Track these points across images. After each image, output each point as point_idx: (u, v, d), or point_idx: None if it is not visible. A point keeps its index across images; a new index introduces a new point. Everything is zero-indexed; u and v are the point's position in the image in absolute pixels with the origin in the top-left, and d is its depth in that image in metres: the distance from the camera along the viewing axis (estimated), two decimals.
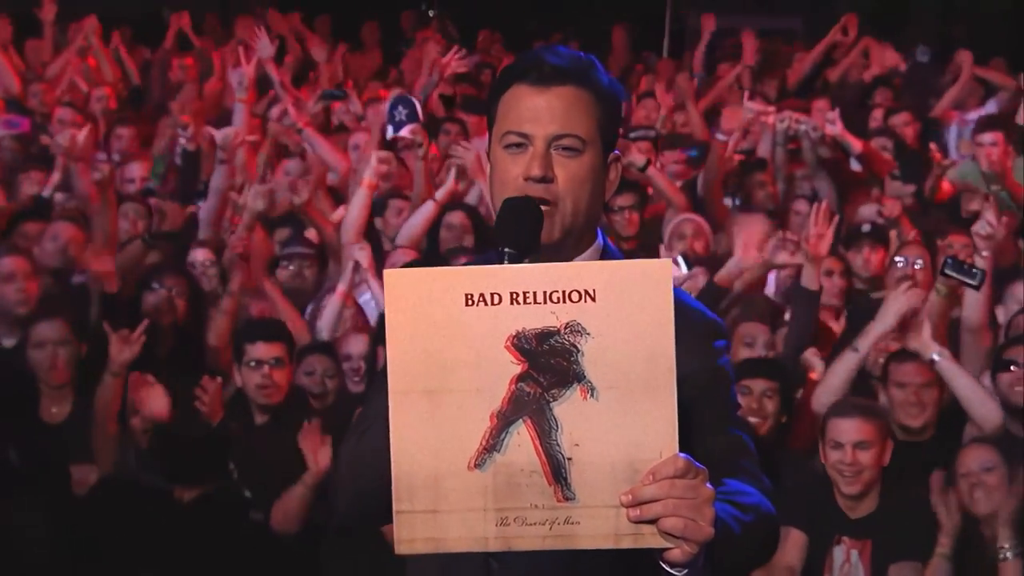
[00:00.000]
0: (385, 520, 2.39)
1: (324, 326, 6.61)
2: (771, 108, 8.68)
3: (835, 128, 8.40)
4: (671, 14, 15.06)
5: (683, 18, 15.10)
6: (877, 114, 9.96)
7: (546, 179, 2.48)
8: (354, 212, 7.12)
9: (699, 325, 2.54)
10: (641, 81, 11.99)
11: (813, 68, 11.69)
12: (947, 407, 5.63)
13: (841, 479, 5.07)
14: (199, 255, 7.00)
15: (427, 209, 7.18)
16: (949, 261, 5.59)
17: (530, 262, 2.44)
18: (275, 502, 5.50)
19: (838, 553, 5.08)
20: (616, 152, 2.61)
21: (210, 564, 5.43)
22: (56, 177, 7.94)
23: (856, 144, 8.51)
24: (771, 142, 8.53)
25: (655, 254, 7.47)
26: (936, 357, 5.40)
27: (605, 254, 2.62)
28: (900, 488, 5.12)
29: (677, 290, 2.46)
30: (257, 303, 6.62)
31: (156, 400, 5.52)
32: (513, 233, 2.43)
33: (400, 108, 8.30)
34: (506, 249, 2.39)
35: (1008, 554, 4.82)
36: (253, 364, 5.72)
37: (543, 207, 2.47)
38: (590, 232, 2.59)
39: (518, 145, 2.51)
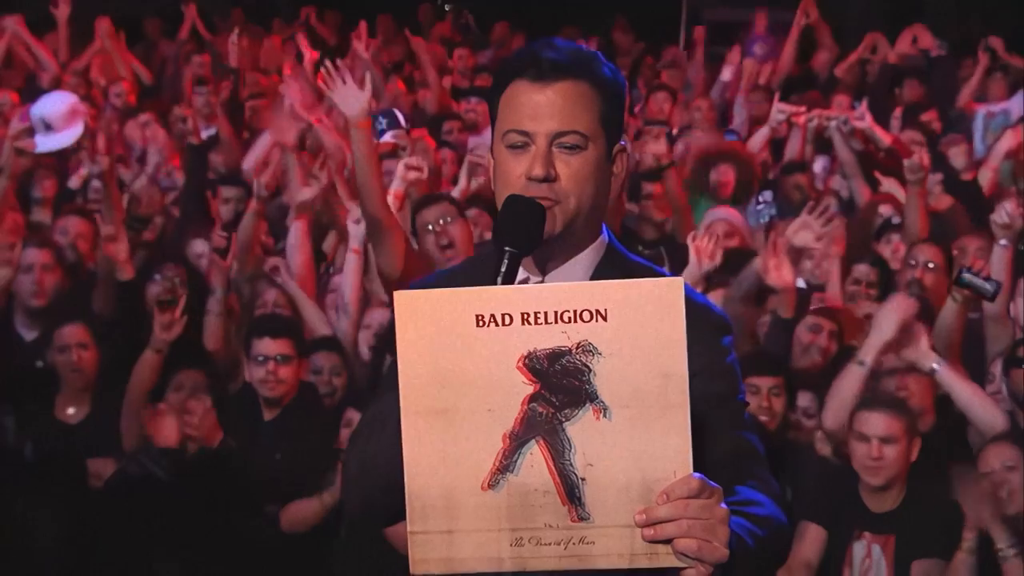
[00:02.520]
0: (392, 520, 2.42)
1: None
2: (802, 108, 8.63)
3: (864, 122, 8.39)
4: (687, 8, 15.04)
5: (699, 12, 15.06)
6: (897, 111, 9.90)
7: (548, 178, 2.46)
8: None
9: (705, 320, 2.51)
10: (660, 75, 11.93)
11: (796, 63, 11.61)
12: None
13: (865, 471, 5.03)
14: (200, 246, 7.03)
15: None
16: (964, 271, 5.56)
17: (533, 259, 2.48)
18: (287, 506, 5.52)
19: (859, 548, 5.04)
20: (623, 143, 2.58)
21: (224, 557, 5.44)
22: (83, 171, 7.95)
23: (885, 137, 8.49)
24: (800, 140, 8.45)
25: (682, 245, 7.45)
26: (935, 367, 5.34)
27: (610, 251, 2.60)
28: (924, 483, 5.07)
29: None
30: (268, 290, 6.59)
31: (166, 430, 5.48)
32: (514, 232, 2.42)
33: (381, 119, 8.48)
34: (507, 248, 2.39)
35: (1008, 553, 4.77)
36: (260, 359, 5.73)
37: (545, 203, 2.45)
38: (594, 228, 2.57)
39: (520, 144, 2.49)
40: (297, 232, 6.95)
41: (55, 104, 7.82)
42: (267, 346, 5.73)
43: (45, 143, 7.73)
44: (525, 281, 2.52)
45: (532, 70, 2.48)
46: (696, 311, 2.43)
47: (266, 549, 5.51)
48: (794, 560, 5.03)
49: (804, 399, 5.66)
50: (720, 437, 2.44)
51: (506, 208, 2.46)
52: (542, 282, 2.54)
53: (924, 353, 5.33)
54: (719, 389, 2.49)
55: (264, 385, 5.73)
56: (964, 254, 6.80)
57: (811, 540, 5.07)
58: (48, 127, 7.71)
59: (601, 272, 2.56)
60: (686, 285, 2.27)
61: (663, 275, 2.58)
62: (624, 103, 2.58)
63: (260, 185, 7.01)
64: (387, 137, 8.23)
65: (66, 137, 7.74)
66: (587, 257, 2.56)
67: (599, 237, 2.59)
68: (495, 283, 2.36)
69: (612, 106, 2.52)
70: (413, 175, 6.59)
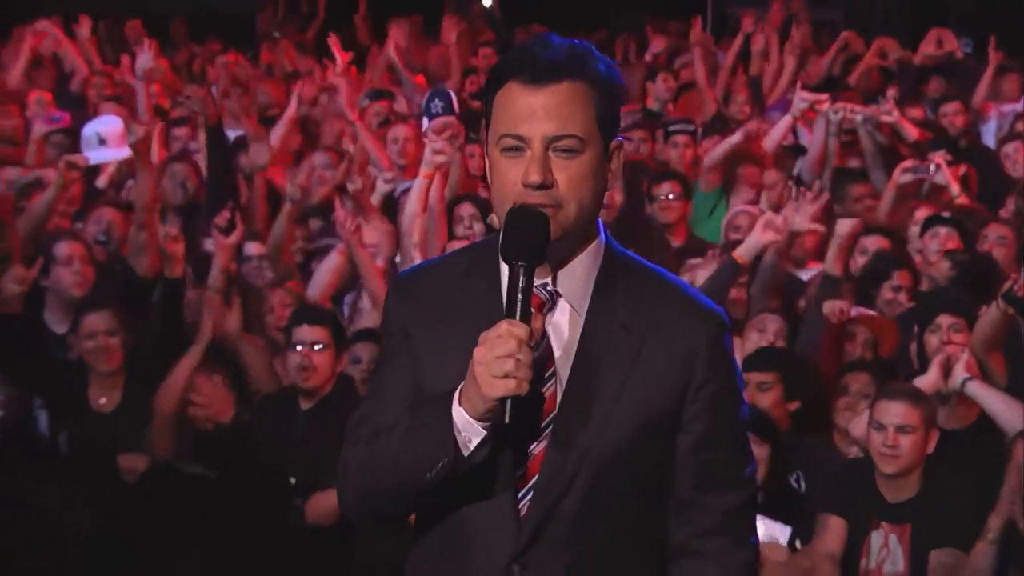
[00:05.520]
0: (390, 522, 2.50)
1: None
2: (824, 96, 8.61)
3: (892, 117, 8.41)
4: (713, 5, 15.02)
5: (725, 9, 15.05)
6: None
7: (545, 185, 2.43)
8: (412, 205, 6.80)
9: (709, 320, 2.53)
10: (681, 73, 11.91)
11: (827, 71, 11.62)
12: None
13: (880, 459, 5.03)
14: (252, 249, 7.02)
15: (418, 185, 6.82)
16: (1012, 292, 5.52)
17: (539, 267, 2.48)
18: (314, 495, 5.51)
19: (876, 538, 5.04)
20: (619, 139, 2.55)
21: (255, 550, 5.49)
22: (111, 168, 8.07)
23: (912, 132, 8.50)
24: (823, 132, 8.43)
25: (695, 243, 7.48)
26: (965, 382, 5.36)
27: (608, 252, 2.59)
28: (941, 473, 5.09)
29: (680, 281, 2.56)
30: (275, 291, 6.62)
31: (222, 404, 5.64)
32: (522, 246, 2.43)
33: (437, 101, 8.34)
34: (520, 263, 2.41)
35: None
36: (296, 347, 5.73)
37: (547, 210, 2.44)
38: (591, 227, 2.56)
39: (515, 148, 2.46)
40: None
41: (112, 123, 8.07)
42: (304, 332, 5.71)
43: (98, 155, 7.94)
44: (542, 286, 2.53)
45: (527, 71, 2.45)
46: (694, 309, 2.51)
47: (294, 541, 5.54)
48: (817, 552, 5.02)
49: (859, 380, 5.62)
50: (716, 494, 2.53)
51: (510, 222, 2.45)
52: (552, 283, 2.55)
53: (955, 374, 5.35)
54: (722, 404, 2.52)
55: (300, 373, 5.71)
56: (983, 242, 6.84)
57: (833, 531, 5.05)
58: (103, 142, 7.96)
59: (605, 274, 2.56)
60: (685, 283, 2.34)
61: (663, 275, 2.62)
62: (620, 98, 2.55)
63: (294, 188, 6.99)
64: (436, 124, 8.00)
65: (119, 153, 7.93)
66: (588, 257, 2.56)
67: (596, 236, 2.58)
68: (514, 299, 2.39)
69: (608, 103, 2.50)
70: (440, 159, 6.67)
